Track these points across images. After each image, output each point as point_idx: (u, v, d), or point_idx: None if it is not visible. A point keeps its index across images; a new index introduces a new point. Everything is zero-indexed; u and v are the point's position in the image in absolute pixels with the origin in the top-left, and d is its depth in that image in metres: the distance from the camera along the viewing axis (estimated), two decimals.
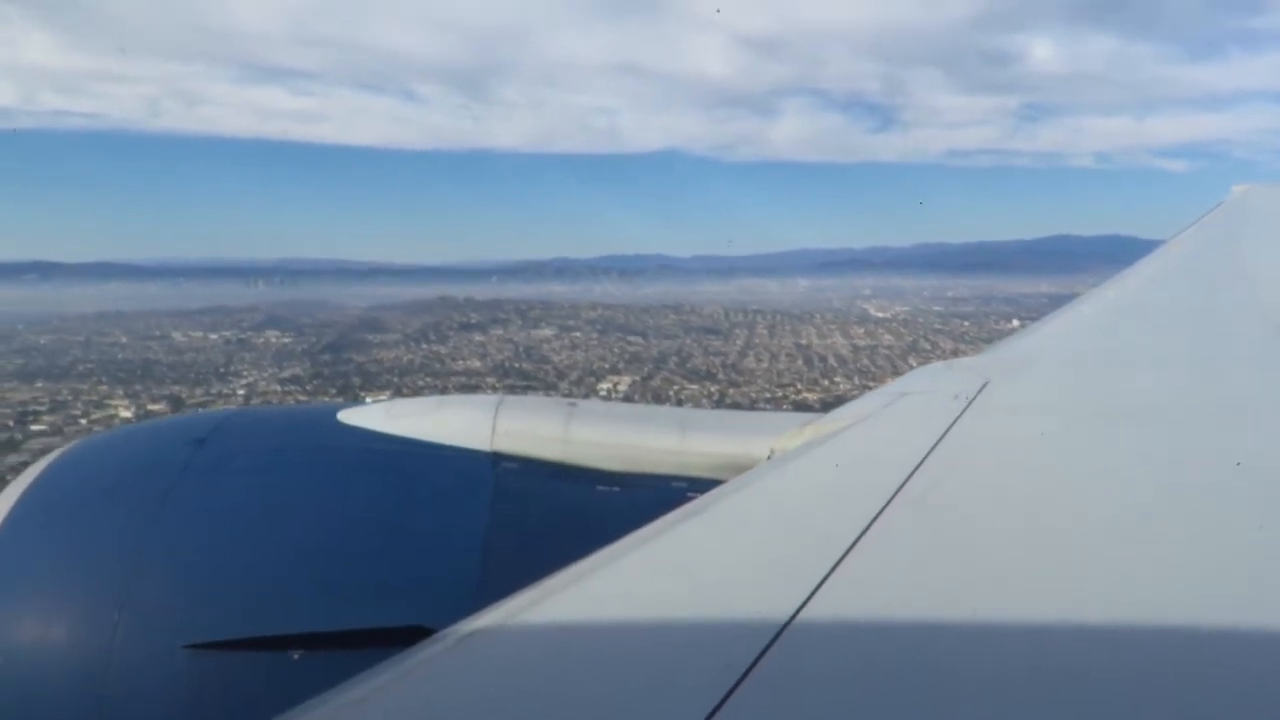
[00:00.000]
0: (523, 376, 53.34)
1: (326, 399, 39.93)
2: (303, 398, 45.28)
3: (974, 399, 2.75)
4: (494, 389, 43.17)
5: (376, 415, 2.90)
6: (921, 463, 2.03)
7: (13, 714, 2.24)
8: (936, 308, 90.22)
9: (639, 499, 2.63)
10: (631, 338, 66.42)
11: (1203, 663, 1.20)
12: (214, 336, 68.14)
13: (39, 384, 49.94)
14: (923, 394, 2.93)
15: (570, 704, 1.13)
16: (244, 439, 2.79)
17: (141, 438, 3.07)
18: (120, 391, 48.21)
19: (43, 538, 2.44)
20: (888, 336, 66.36)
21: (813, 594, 1.35)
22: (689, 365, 57.96)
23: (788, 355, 61.11)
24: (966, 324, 69.93)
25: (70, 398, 46.71)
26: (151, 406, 43.40)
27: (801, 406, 32.87)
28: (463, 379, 52.22)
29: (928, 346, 58.99)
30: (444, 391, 29.78)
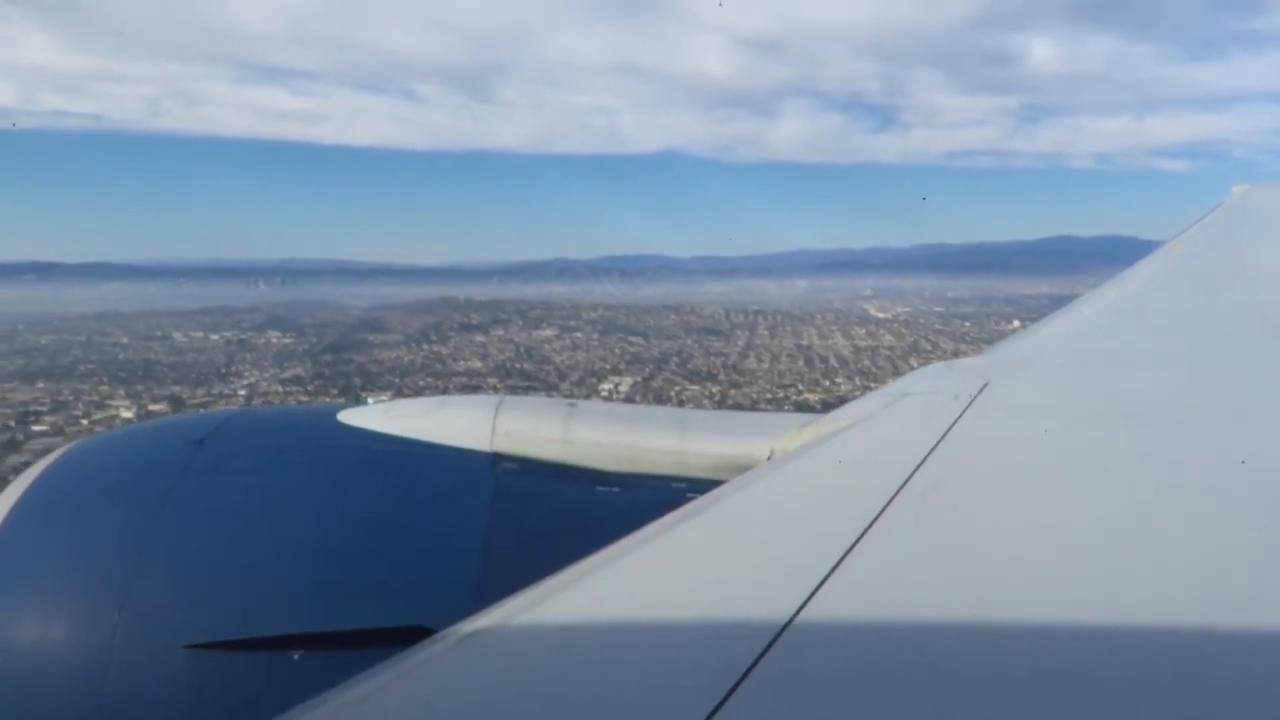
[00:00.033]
0: (524, 377, 53.35)
1: (327, 399, 39.99)
2: (304, 398, 45.33)
3: (974, 399, 2.75)
4: (495, 389, 43.20)
5: (377, 416, 2.90)
6: (922, 463, 2.03)
7: (13, 714, 2.24)
8: (937, 308, 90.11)
9: (639, 499, 2.63)
10: (632, 338, 66.39)
11: (1203, 663, 1.20)
12: (215, 337, 68.11)
13: (40, 384, 49.92)
14: (923, 394, 2.93)
15: (570, 704, 1.13)
16: (244, 439, 2.79)
17: (142, 438, 3.08)
18: (121, 392, 48.25)
19: (43, 538, 2.44)
20: (888, 337, 66.31)
21: (813, 594, 1.35)
22: (690, 366, 57.95)
23: (789, 356, 61.07)
24: (967, 324, 69.92)
25: (71, 398, 46.75)
26: (152, 407, 43.41)
27: (803, 407, 32.86)
28: (464, 379, 52.22)
29: (928, 347, 58.98)
30: (445, 392, 29.70)
